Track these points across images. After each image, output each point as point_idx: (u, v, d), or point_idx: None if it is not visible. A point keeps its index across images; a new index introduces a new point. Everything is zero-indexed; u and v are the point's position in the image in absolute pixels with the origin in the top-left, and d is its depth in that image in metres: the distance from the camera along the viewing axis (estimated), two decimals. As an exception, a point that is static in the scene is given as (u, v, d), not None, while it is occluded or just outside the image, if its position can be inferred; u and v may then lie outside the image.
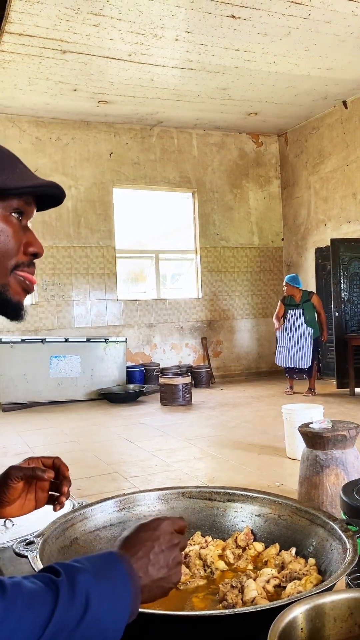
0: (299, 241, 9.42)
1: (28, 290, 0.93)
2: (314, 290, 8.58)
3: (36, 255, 0.93)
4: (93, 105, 7.82)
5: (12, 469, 1.09)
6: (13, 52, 6.06)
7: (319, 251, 8.93)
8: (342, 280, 7.59)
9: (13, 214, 0.88)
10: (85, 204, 8.49)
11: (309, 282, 9.15)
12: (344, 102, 8.21)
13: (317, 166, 8.93)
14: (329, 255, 7.80)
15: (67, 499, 1.13)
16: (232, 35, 5.90)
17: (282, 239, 9.82)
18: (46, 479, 1.07)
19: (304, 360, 7.34)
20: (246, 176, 9.60)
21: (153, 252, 9.19)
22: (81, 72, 6.69)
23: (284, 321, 7.51)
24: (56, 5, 5.17)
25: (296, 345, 7.39)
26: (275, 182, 9.81)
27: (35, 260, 0.95)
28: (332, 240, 7.70)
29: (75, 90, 7.24)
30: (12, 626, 0.63)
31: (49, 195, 0.94)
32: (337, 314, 7.53)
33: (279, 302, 7.70)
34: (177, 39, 5.95)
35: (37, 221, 8.03)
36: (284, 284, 7.64)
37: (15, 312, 0.92)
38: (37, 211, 0.95)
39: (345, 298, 7.61)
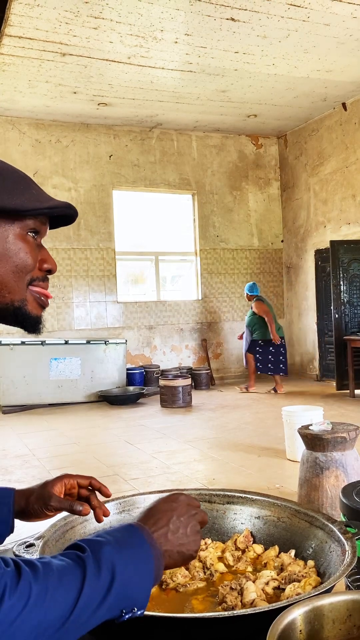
0: (299, 243, 9.42)
1: (44, 305, 0.99)
2: (314, 291, 8.67)
3: (50, 271, 0.98)
4: (93, 107, 7.83)
5: (51, 498, 1.08)
6: (13, 54, 6.08)
7: (319, 253, 8.93)
8: (341, 282, 7.60)
9: (29, 233, 0.93)
10: (85, 206, 8.50)
11: (309, 284, 9.16)
12: (344, 104, 8.22)
13: (316, 168, 8.94)
14: (329, 257, 7.81)
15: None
16: (231, 38, 5.91)
17: (282, 241, 9.83)
18: (83, 515, 1.08)
19: (244, 359, 8.14)
20: (246, 178, 9.61)
21: (153, 254, 9.19)
22: (81, 75, 6.70)
23: None
24: (56, 8, 5.18)
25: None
26: (274, 184, 9.82)
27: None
28: (332, 242, 7.70)
29: (75, 92, 7.25)
30: (47, 604, 0.69)
31: (62, 215, 0.99)
32: (336, 316, 7.53)
33: None
34: (176, 42, 5.96)
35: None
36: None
37: (34, 326, 0.98)
38: (49, 229, 1.00)
39: (345, 300, 7.61)
